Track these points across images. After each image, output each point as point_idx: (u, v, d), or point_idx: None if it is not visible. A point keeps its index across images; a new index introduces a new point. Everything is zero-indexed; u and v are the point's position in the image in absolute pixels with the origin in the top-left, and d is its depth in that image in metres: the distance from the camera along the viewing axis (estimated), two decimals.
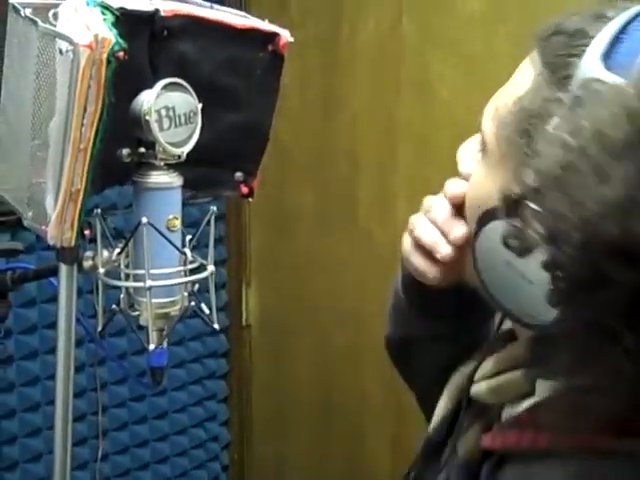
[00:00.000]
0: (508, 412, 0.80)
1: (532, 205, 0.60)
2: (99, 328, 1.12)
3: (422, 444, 0.93)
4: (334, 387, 2.54)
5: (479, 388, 0.83)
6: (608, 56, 0.64)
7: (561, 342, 0.66)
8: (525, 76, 0.72)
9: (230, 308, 2.66)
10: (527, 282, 0.67)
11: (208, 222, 1.14)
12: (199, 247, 1.14)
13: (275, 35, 1.12)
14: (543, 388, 0.76)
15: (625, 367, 0.61)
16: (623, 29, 0.65)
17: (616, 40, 0.65)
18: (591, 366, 0.63)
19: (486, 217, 0.71)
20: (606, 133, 0.57)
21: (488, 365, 0.83)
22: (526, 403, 0.77)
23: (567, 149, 0.59)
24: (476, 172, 0.78)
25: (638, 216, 0.56)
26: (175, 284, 1.09)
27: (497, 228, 0.68)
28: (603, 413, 0.65)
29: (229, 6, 1.13)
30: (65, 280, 1.09)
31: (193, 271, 1.13)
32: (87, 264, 1.09)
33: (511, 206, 0.63)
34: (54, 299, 1.11)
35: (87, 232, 1.03)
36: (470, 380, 0.86)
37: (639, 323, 0.60)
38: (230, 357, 2.71)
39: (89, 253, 1.08)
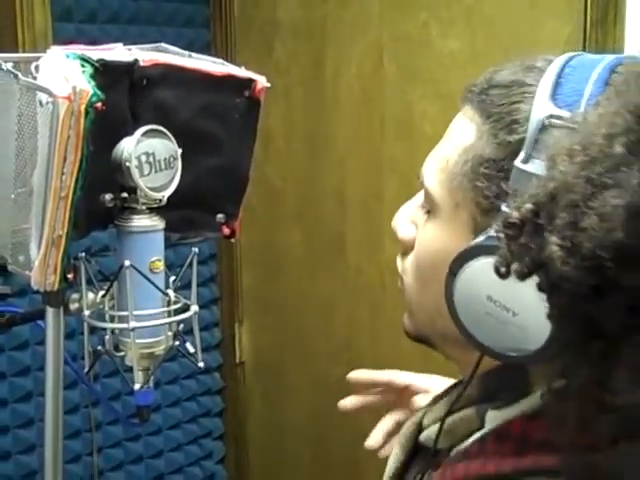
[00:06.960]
0: (456, 450, 0.81)
1: (541, 222, 0.60)
2: (85, 369, 1.15)
3: None
4: (329, 422, 2.55)
5: (429, 432, 0.84)
6: (554, 97, 0.71)
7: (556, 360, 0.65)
8: (464, 130, 0.77)
9: (223, 346, 2.68)
10: (511, 314, 0.68)
11: (190, 263, 1.16)
12: (189, 287, 1.17)
13: (251, 81, 1.16)
14: (492, 419, 0.77)
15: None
16: (559, 75, 0.72)
17: (557, 84, 0.72)
18: (575, 376, 0.62)
19: (462, 258, 0.71)
20: (590, 153, 0.59)
21: (436, 410, 0.85)
22: (473, 438, 0.78)
23: (554, 172, 0.61)
24: (424, 233, 0.82)
25: None
26: (159, 324, 1.12)
27: (478, 265, 0.70)
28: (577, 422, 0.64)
29: (216, 53, 1.16)
30: (52, 322, 1.12)
31: (178, 311, 1.15)
32: (73, 306, 1.11)
33: (511, 230, 0.62)
34: None
35: (70, 276, 1.05)
36: (419, 427, 0.87)
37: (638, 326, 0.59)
38: (225, 394, 2.72)
39: (75, 295, 1.11)
